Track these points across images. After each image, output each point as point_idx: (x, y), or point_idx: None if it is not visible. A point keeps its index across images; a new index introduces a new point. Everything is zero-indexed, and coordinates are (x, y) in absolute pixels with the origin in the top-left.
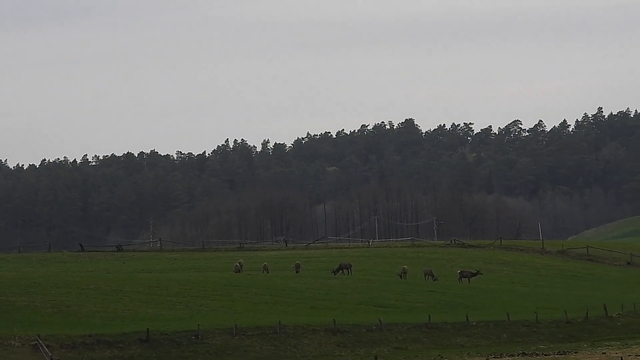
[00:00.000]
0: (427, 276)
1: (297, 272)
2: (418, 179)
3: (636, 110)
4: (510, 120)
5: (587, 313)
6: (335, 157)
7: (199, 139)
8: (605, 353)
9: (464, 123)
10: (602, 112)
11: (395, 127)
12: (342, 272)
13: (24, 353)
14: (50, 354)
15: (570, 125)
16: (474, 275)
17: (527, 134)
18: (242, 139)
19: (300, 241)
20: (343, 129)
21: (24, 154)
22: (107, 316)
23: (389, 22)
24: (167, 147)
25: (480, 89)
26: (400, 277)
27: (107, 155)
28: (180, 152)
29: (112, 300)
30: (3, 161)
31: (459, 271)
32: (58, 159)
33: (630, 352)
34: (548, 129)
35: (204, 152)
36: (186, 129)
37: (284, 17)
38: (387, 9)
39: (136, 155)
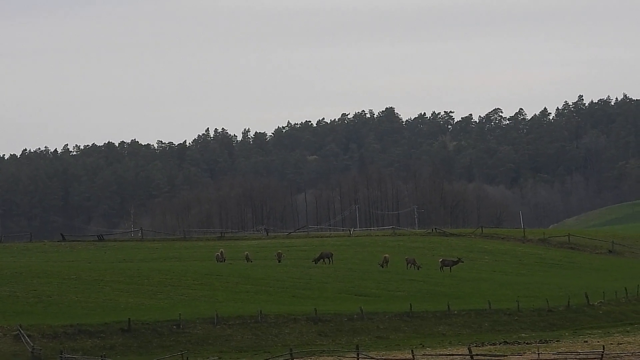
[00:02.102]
0: (409, 265)
1: (279, 262)
2: (398, 168)
3: (617, 98)
4: (491, 109)
5: (568, 301)
6: (315, 146)
7: (180, 129)
8: (587, 341)
9: (445, 111)
10: (582, 100)
11: (375, 116)
12: (323, 261)
13: (6, 343)
14: (32, 344)
15: (550, 113)
16: (455, 263)
17: (507, 122)
18: (222, 128)
19: (281, 230)
20: (323, 118)
21: (4, 144)
22: (88, 306)
23: (369, 11)
24: (148, 137)
25: (461, 78)
26: (382, 266)
27: (87, 145)
28: (161, 141)
29: (94, 290)
30: None
31: (440, 260)
32: (39, 148)
33: (612, 340)
34: (529, 117)
35: (185, 141)
36: (167, 119)
37: (264, 5)
38: None
39: (117, 145)
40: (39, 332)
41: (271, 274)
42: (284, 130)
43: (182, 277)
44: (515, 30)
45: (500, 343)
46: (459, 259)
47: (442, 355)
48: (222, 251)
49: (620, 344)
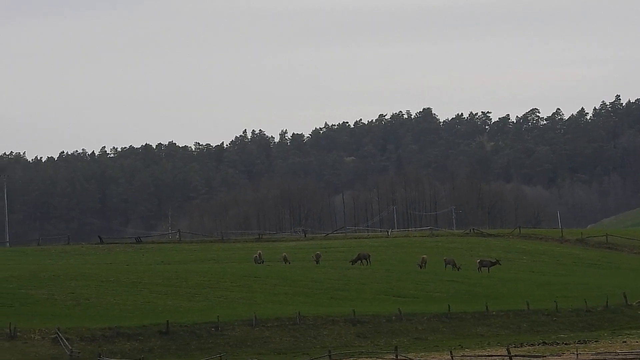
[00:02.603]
0: (448, 265)
1: (317, 263)
2: (436, 168)
3: None
4: (528, 109)
5: (607, 302)
6: (353, 147)
7: (217, 130)
8: (625, 342)
9: (482, 112)
10: (620, 99)
11: (412, 117)
12: (361, 262)
13: (44, 346)
14: (70, 347)
15: (588, 113)
16: (493, 264)
17: (545, 122)
18: (259, 130)
19: (319, 231)
20: (361, 119)
21: (42, 146)
22: (126, 308)
23: (407, 10)
24: (185, 139)
25: (498, 78)
26: (420, 267)
27: (125, 147)
28: (198, 143)
29: (132, 292)
30: (21, 153)
31: (478, 260)
32: (76, 151)
33: None
34: (566, 117)
35: (222, 142)
36: (204, 120)
37: (302, 5)
38: None
39: (154, 147)
40: (77, 335)
41: (309, 275)
42: (321, 132)
43: (220, 279)
44: (552, 29)
45: (539, 344)
46: (497, 260)
47: (480, 356)
48: (260, 253)
49: None
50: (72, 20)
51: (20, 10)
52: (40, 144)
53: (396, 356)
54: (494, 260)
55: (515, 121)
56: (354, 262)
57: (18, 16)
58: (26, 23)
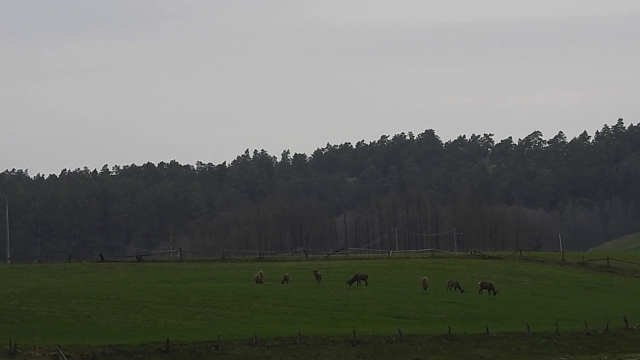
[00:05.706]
0: (451, 287)
1: (318, 281)
2: (438, 190)
3: None
4: (531, 132)
5: (607, 325)
6: (355, 168)
7: (219, 150)
8: None
9: (484, 134)
10: (622, 123)
11: (415, 138)
12: (358, 282)
13: None
14: None
15: (590, 136)
16: (493, 288)
17: (547, 145)
18: (262, 150)
19: (320, 252)
20: (363, 140)
21: (44, 164)
22: (126, 326)
23: (409, 32)
24: (187, 158)
25: (501, 100)
26: (425, 288)
27: (127, 165)
28: (200, 162)
29: (132, 310)
30: (23, 171)
31: (479, 282)
32: (78, 168)
33: None
34: (568, 140)
35: (224, 162)
36: (206, 139)
37: (305, 26)
38: (407, 18)
39: (156, 166)
40: (77, 352)
41: (310, 295)
42: (323, 152)
43: (221, 298)
44: (554, 53)
45: None
46: (496, 291)
47: None
48: (261, 272)
49: None
50: (70, 38)
51: (44, 29)
52: (43, 162)
53: None
54: (496, 289)
55: (517, 144)
56: (350, 282)
57: (37, 35)
58: (37, 43)
